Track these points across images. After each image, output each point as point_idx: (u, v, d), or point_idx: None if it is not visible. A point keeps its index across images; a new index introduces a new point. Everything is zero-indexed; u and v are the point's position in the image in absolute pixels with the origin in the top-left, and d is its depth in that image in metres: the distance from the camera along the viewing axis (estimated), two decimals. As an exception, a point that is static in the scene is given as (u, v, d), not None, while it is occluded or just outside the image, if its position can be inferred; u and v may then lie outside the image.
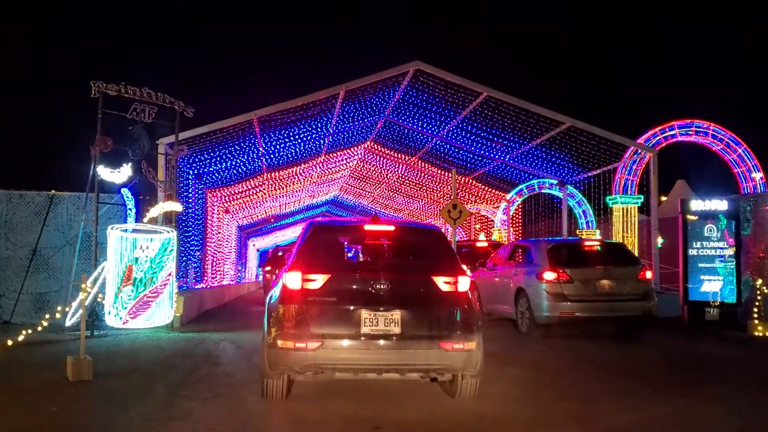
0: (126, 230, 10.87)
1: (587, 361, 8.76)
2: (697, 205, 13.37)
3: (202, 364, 7.99)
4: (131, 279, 10.50)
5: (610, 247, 11.92)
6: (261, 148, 17.45)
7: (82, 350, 6.82)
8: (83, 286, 7.01)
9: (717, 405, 6.20)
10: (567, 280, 10.45)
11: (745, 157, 21.15)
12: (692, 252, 13.21)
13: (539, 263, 10.91)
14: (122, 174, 11.12)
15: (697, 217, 13.21)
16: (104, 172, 11.01)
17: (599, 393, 6.69)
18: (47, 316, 8.78)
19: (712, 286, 12.94)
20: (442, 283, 5.72)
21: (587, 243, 12.10)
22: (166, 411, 5.64)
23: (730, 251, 12.92)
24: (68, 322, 10.08)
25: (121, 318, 10.43)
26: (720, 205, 13.22)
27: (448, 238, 17.88)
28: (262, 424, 5.34)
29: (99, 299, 10.52)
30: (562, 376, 7.66)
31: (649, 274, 10.99)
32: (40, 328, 8.50)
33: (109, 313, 10.39)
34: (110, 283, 10.43)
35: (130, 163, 11.31)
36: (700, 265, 13.12)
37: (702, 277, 13.05)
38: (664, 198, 28.28)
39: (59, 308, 8.62)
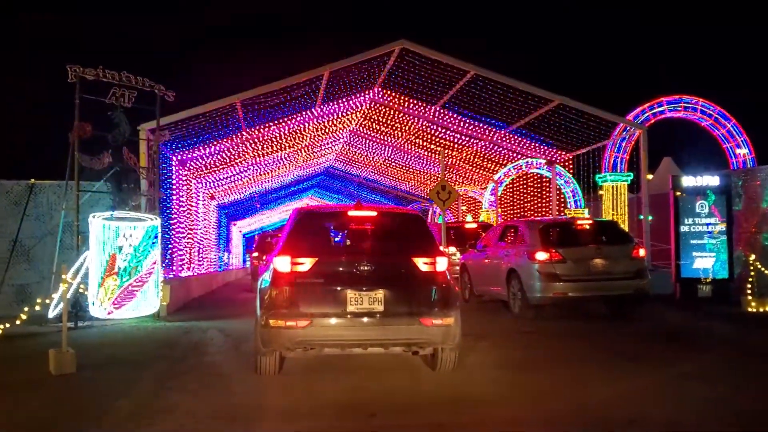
0: (108, 218, 10.56)
1: (580, 341, 8.66)
2: (688, 181, 13.28)
3: (190, 353, 7.78)
4: (115, 268, 10.23)
5: (602, 225, 11.81)
6: (245, 133, 17.13)
7: (65, 342, 6.59)
8: (64, 276, 6.76)
9: (709, 382, 6.10)
10: (559, 260, 10.32)
11: (734, 132, 21.07)
12: (684, 229, 13.14)
13: (531, 243, 10.76)
14: (102, 161, 10.78)
15: (686, 194, 13.13)
16: (84, 159, 10.67)
17: (592, 373, 6.59)
18: (26, 309, 8.52)
19: (704, 263, 12.89)
20: (421, 263, 6.11)
21: (579, 222, 11.97)
22: (152, 404, 5.44)
23: (722, 227, 12.86)
24: (51, 314, 9.82)
25: (105, 308, 10.17)
26: (711, 180, 13.14)
27: (438, 220, 17.76)
28: (252, 416, 5.14)
29: (81, 290, 10.24)
30: (555, 358, 7.55)
31: (642, 252, 10.87)
32: (18, 322, 8.25)
33: (93, 303, 10.13)
34: (93, 272, 10.14)
35: (110, 150, 10.97)
36: (691, 241, 13.06)
37: (694, 253, 13.00)
38: (650, 176, 28.27)
39: (39, 300, 8.36)
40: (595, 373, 6.61)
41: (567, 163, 19.98)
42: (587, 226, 11.42)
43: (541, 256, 10.37)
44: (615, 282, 10.27)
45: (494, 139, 19.82)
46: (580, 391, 5.91)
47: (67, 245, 11.31)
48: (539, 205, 22.47)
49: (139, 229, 10.55)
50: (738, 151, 21.21)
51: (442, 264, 6.18)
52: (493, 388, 6.04)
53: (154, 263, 10.72)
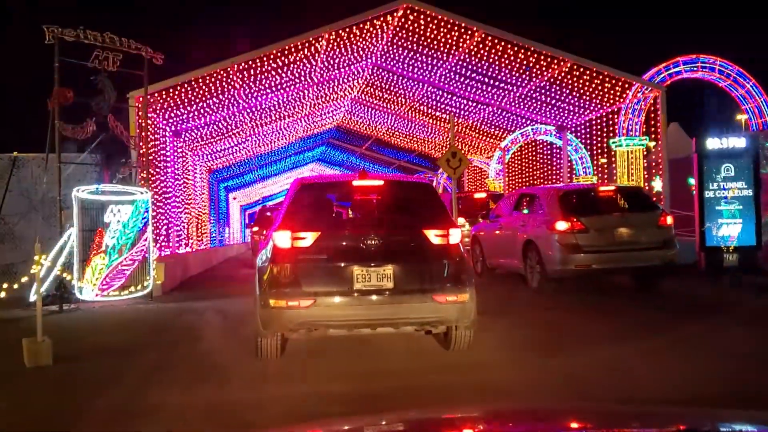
0: (94, 192, 9.79)
1: (607, 317, 7.98)
2: (713, 143, 12.41)
3: (183, 340, 7.05)
4: (103, 246, 9.49)
5: (626, 192, 11.04)
6: (242, 101, 16.27)
7: (39, 331, 5.87)
8: (36, 257, 6.04)
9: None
10: (581, 230, 9.58)
11: (754, 93, 20.09)
12: (708, 194, 12.30)
13: (550, 212, 10.02)
14: (86, 130, 9.96)
15: (710, 157, 12.26)
16: (66, 129, 9.84)
17: (627, 354, 5.94)
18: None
19: (730, 230, 12.11)
20: (433, 236, 5.72)
21: (601, 188, 11.21)
22: (136, 402, 4.78)
23: (749, 191, 12.06)
24: (33, 297, 9.10)
25: (93, 290, 9.46)
26: (738, 142, 12.29)
27: (450, 189, 17.00)
28: (251, 417, 4.43)
29: (60, 271, 9.47)
30: (582, 337, 6.84)
31: (669, 220, 10.13)
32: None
33: (80, 284, 9.41)
34: (79, 251, 9.41)
35: (94, 118, 10.14)
36: (716, 207, 12.26)
37: (719, 220, 12.21)
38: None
39: (5, 286, 7.65)
40: (630, 354, 5.96)
41: (578, 129, 19.10)
42: (610, 193, 10.67)
43: (562, 225, 9.63)
44: (641, 252, 9.55)
45: (502, 104, 18.93)
46: (617, 376, 5.28)
47: (53, 222, 10.58)
48: (548, 173, 21.64)
49: (128, 204, 9.79)
50: (738, 116, 20.26)
51: (455, 236, 5.77)
52: (517, 374, 5.43)
53: (146, 240, 9.99)
